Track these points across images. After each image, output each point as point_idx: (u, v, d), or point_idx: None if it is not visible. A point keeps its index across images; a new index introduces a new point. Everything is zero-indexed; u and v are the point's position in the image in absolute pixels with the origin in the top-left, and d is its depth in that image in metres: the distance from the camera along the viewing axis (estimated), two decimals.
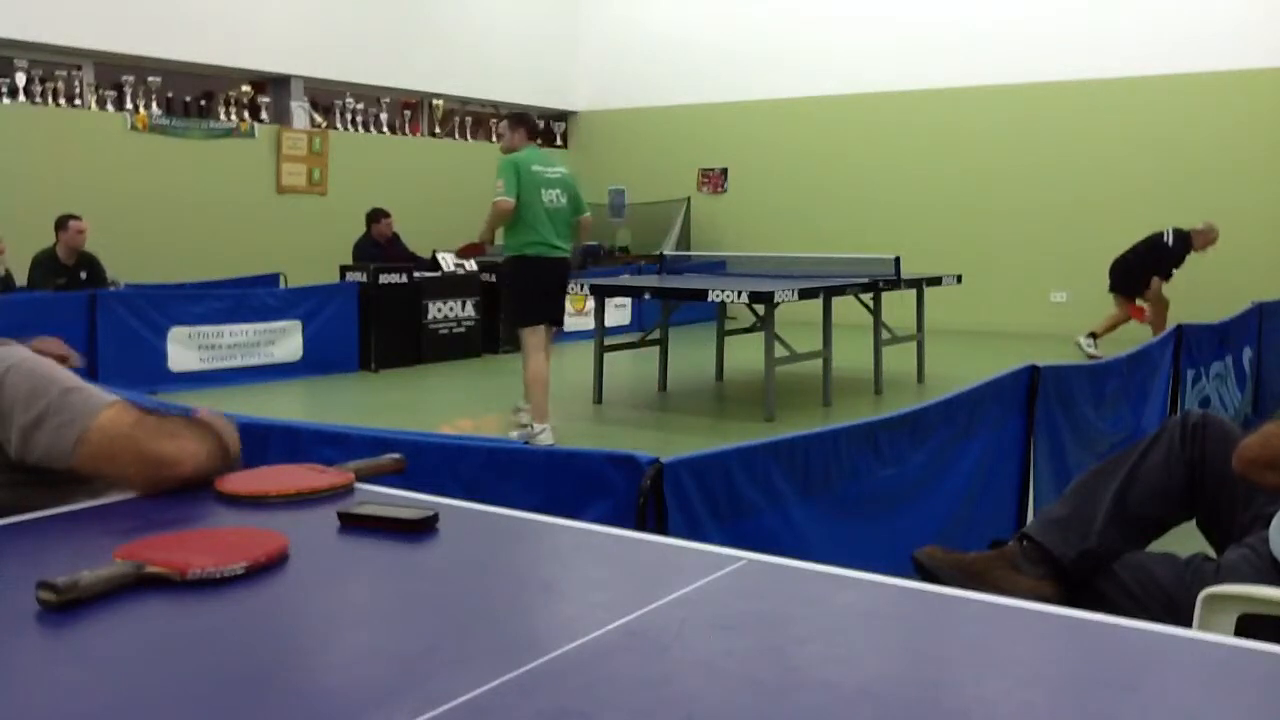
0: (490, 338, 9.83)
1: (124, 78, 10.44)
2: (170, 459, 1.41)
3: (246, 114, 11.32)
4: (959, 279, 8.81)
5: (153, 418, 1.45)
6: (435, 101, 13.32)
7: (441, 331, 9.51)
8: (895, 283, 7.88)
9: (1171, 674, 0.89)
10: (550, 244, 6.01)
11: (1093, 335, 9.44)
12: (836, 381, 7.34)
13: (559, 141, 15.04)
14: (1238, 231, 10.69)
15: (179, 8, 10.46)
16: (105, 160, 9.91)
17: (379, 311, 8.94)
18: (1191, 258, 9.62)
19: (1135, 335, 8.02)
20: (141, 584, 1.04)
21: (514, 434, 5.98)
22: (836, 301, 7.36)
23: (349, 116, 12.27)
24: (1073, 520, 2.30)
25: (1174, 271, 9.47)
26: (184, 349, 7.97)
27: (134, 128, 10.22)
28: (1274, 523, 2.02)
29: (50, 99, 9.82)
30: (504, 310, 6.61)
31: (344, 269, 9.29)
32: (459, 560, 1.21)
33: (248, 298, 8.49)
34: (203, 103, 11.20)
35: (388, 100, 12.63)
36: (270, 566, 1.10)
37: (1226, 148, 10.79)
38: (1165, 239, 9.50)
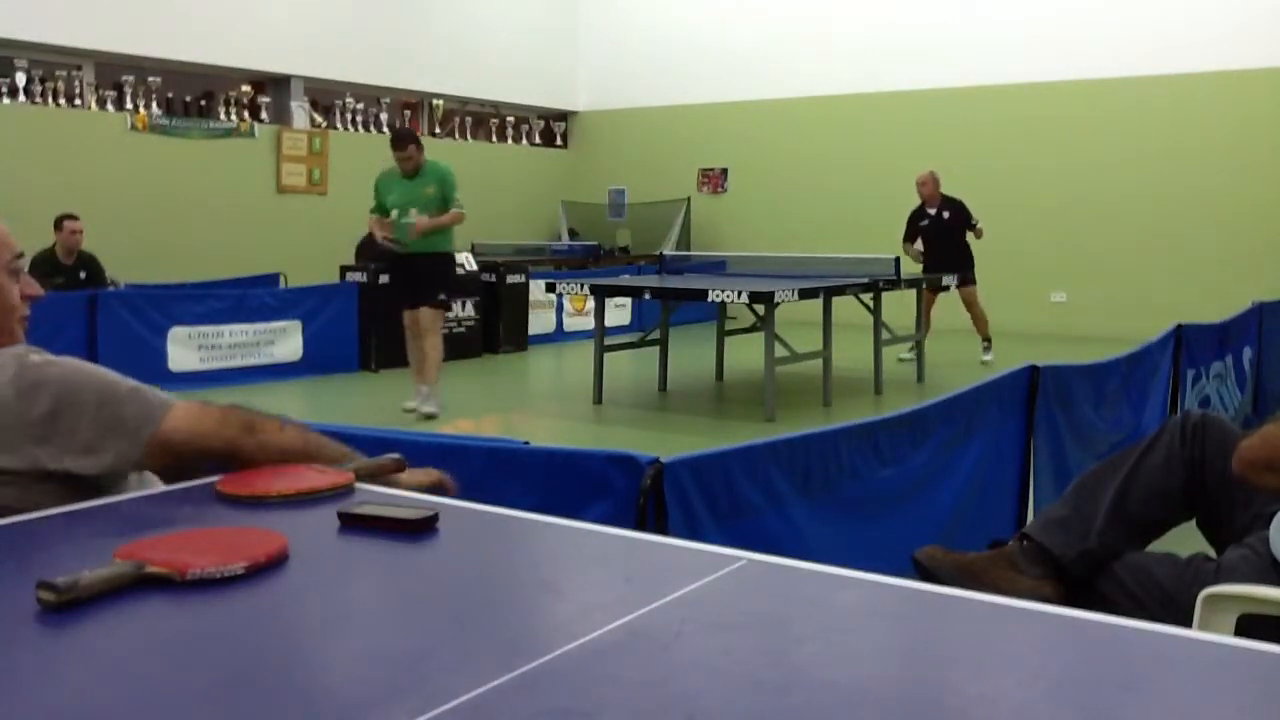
0: (491, 337, 9.84)
1: (124, 78, 10.44)
2: (247, 455, 1.49)
3: (246, 114, 11.32)
4: (958, 279, 8.81)
5: (235, 414, 1.52)
6: (435, 101, 13.32)
7: (442, 331, 9.49)
8: (895, 283, 7.88)
9: (1171, 674, 0.88)
10: None
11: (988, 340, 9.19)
12: (836, 381, 7.34)
13: (559, 141, 15.04)
14: (1238, 231, 10.70)
15: (179, 8, 10.46)
16: (105, 160, 9.91)
17: (379, 311, 8.93)
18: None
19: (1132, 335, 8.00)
20: (141, 584, 1.04)
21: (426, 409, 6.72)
22: (836, 301, 7.36)
23: (349, 116, 12.27)
24: (1073, 520, 2.30)
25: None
26: (184, 349, 7.97)
27: (134, 128, 10.22)
28: (1274, 523, 2.02)
29: (50, 99, 9.82)
30: (442, 293, 6.92)
31: (344, 269, 9.29)
32: (459, 560, 1.21)
33: (248, 298, 8.49)
34: (203, 103, 11.21)
35: (388, 100, 12.63)
36: (270, 566, 1.10)
37: (1226, 148, 10.79)
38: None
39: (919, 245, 9.18)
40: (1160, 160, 11.10)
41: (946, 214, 9.00)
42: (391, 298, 7.18)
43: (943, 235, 9.01)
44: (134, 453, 1.46)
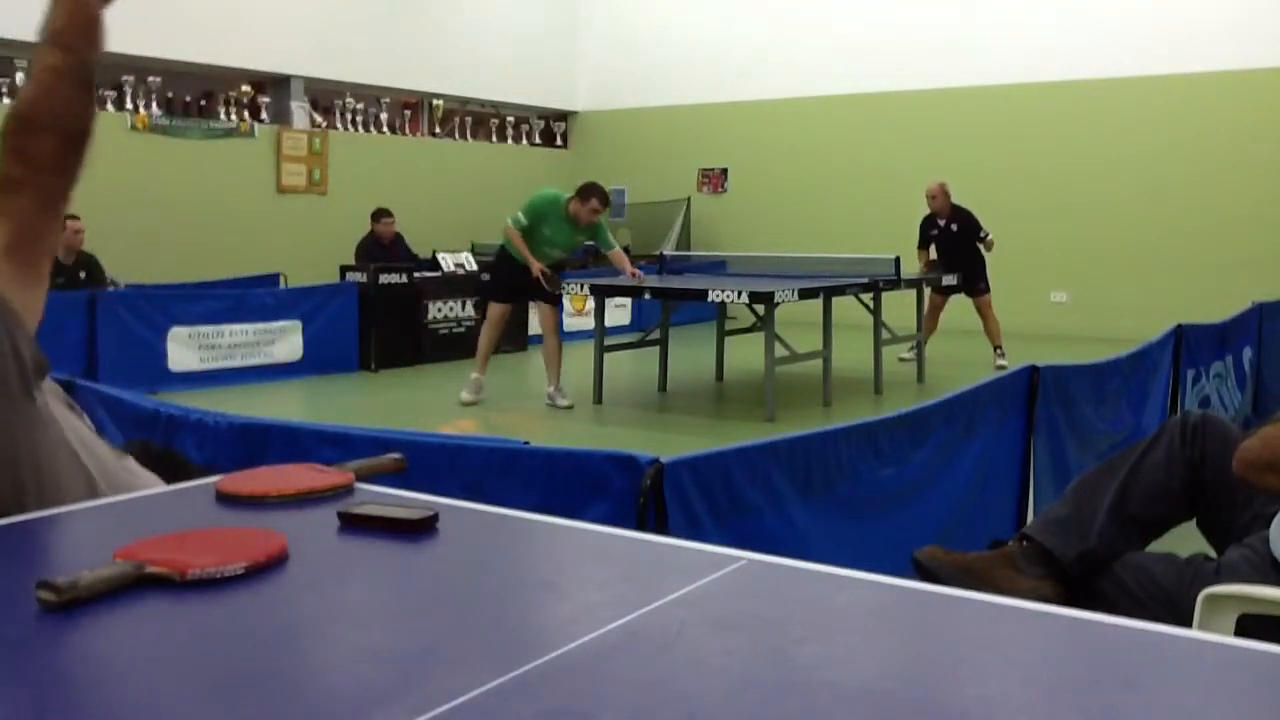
0: None
1: (124, 78, 10.44)
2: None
3: (246, 114, 11.33)
4: (958, 279, 8.81)
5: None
6: (435, 101, 13.32)
7: (441, 331, 9.51)
8: (895, 283, 7.88)
9: (1171, 674, 0.88)
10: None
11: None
12: (836, 381, 7.34)
13: (559, 141, 15.04)
14: (1238, 231, 10.70)
15: (179, 8, 10.45)
16: (105, 160, 9.80)
17: (379, 311, 8.94)
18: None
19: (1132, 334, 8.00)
20: (141, 584, 1.04)
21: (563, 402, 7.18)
22: (836, 301, 7.37)
23: (349, 116, 12.27)
24: (1073, 520, 2.30)
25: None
26: (184, 349, 7.97)
27: (134, 128, 10.22)
28: (1274, 523, 2.02)
29: None
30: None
31: (344, 269, 9.29)
32: (459, 560, 1.21)
33: (248, 298, 8.49)
34: (203, 103, 11.21)
35: (388, 100, 12.63)
36: (270, 566, 1.10)
37: (1227, 148, 10.79)
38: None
39: (932, 253, 9.16)
40: (1160, 160, 11.10)
41: (955, 226, 8.97)
42: (498, 295, 7.42)
43: (953, 246, 9.00)
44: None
